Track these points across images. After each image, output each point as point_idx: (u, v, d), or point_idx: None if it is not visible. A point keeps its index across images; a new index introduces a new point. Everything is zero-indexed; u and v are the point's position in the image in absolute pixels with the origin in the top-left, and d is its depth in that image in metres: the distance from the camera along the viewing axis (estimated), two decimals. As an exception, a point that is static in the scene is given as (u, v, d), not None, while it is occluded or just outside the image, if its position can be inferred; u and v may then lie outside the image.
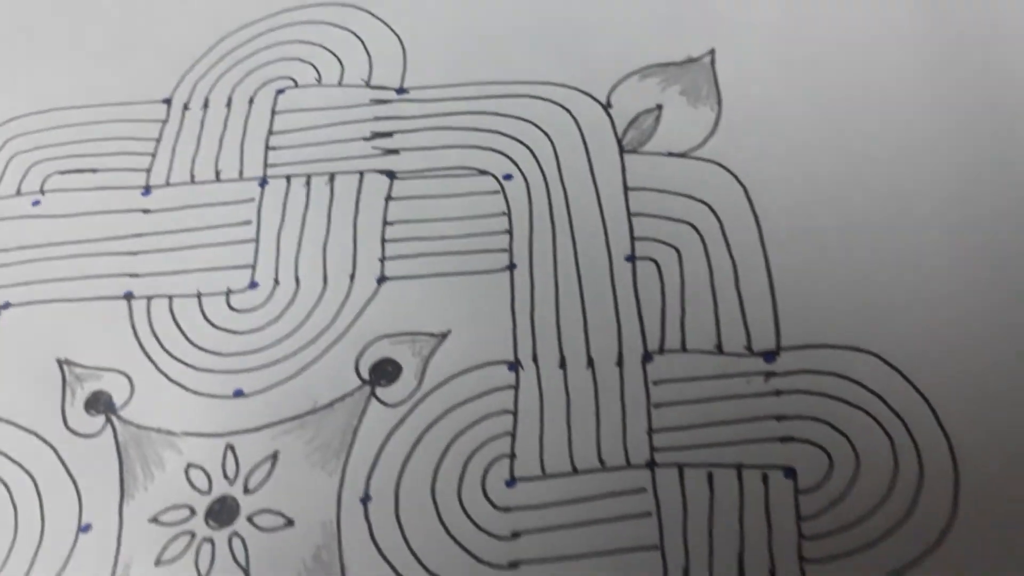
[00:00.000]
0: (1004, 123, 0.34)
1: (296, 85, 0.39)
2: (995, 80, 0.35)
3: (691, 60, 0.38)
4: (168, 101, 0.40)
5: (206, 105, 0.39)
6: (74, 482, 0.32)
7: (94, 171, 0.38)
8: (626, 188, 0.35)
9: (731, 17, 0.38)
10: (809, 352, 0.31)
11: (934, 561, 0.27)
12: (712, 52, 0.38)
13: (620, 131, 0.36)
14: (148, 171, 0.38)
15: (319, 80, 0.40)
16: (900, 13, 0.37)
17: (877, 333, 0.30)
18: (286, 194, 0.37)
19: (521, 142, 0.37)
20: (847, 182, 0.34)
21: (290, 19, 0.41)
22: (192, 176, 0.38)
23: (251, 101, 0.39)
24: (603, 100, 0.37)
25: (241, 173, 0.37)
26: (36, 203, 0.38)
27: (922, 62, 0.36)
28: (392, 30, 0.40)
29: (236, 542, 0.30)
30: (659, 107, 0.37)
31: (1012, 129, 0.34)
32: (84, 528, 0.31)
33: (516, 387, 0.31)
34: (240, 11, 0.42)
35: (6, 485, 0.32)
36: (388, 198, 0.36)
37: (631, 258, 0.33)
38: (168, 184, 0.38)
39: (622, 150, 0.36)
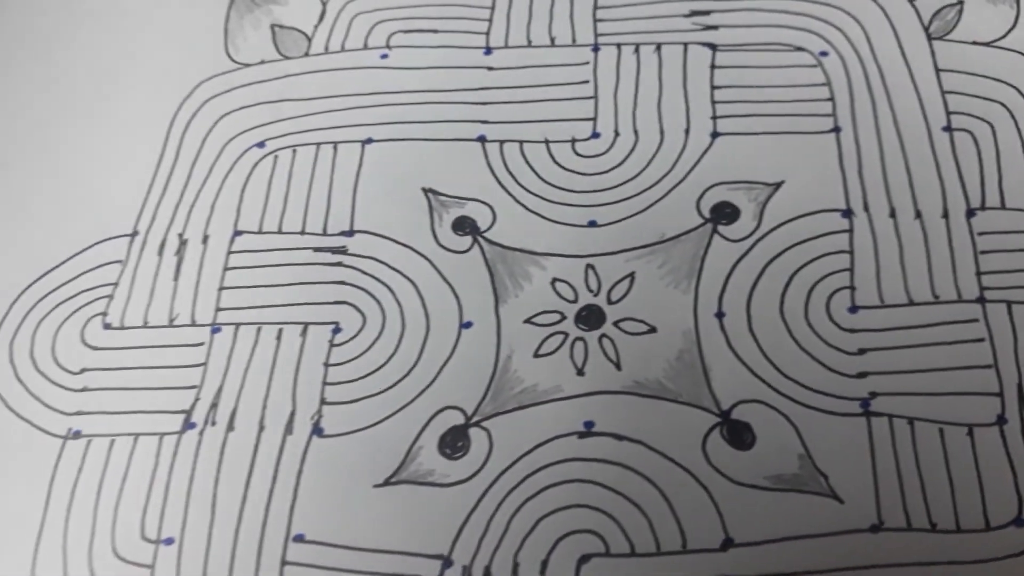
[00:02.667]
0: None
1: (618, -34, 0.44)
2: None
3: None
4: (498, -24, 0.44)
5: (535, -19, 0.44)
6: (451, 288, 0.37)
7: (435, 31, 0.43)
8: (937, 69, 0.39)
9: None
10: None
11: None
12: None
13: (925, 21, 0.40)
14: (487, 34, 0.42)
15: (638, -37, 0.44)
16: None
17: None
18: (618, 59, 0.41)
19: (832, 24, 0.40)
20: None
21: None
22: (529, 40, 0.42)
23: (577, -22, 0.43)
24: (910, -7, 0.41)
25: (574, 39, 0.42)
26: (384, 56, 0.43)
27: None
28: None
29: (606, 342, 0.35)
30: (960, 2, 0.40)
31: None
32: (466, 325, 0.36)
33: (850, 231, 0.36)
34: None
35: (389, 288, 0.37)
36: (712, 66, 0.40)
37: (948, 128, 0.37)
38: (507, 46, 0.42)
39: (930, 37, 0.40)
